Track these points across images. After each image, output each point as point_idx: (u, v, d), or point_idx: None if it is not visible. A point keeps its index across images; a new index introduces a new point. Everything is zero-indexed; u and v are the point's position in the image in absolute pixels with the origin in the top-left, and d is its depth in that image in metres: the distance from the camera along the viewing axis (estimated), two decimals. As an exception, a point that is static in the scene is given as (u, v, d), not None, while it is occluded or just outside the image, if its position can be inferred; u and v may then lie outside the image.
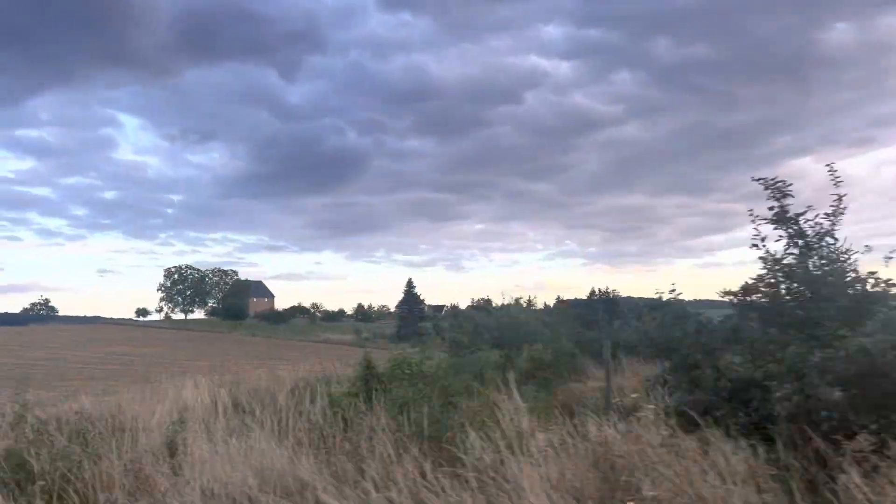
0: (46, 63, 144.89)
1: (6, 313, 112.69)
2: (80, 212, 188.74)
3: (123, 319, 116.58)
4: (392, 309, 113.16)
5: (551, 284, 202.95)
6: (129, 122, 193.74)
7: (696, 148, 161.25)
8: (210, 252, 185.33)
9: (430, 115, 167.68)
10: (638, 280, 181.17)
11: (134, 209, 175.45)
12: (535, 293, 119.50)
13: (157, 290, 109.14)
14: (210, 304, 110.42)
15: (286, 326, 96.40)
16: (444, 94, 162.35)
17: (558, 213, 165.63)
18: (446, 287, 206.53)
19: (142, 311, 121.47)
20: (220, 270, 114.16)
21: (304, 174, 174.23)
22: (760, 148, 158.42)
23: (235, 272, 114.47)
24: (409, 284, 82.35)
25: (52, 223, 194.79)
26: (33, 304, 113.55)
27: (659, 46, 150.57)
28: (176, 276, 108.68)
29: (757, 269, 6.34)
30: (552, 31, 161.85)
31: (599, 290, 67.88)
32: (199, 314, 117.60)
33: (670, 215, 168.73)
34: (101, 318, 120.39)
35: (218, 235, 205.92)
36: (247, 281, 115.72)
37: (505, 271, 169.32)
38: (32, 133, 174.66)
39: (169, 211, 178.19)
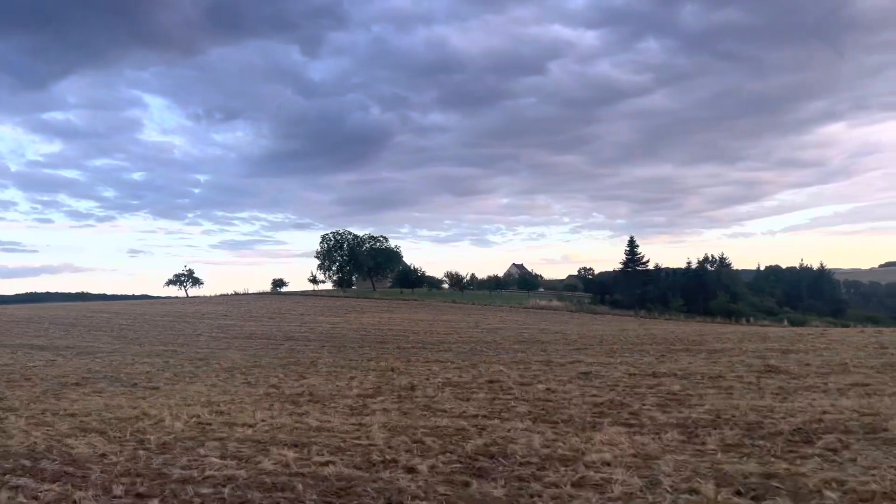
0: (73, 46, 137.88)
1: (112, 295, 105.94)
2: (109, 193, 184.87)
3: (266, 292, 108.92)
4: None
5: (577, 257, 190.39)
6: (155, 102, 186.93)
7: (725, 115, 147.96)
8: (238, 231, 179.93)
9: (453, 88, 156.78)
10: (670, 251, 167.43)
11: (161, 190, 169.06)
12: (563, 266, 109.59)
13: (315, 256, 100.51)
14: (365, 271, 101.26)
15: (475, 293, 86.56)
16: (468, 67, 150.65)
17: (585, 185, 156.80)
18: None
19: (278, 283, 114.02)
20: (371, 237, 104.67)
21: (328, 151, 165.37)
22: (791, 114, 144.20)
23: (385, 238, 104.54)
24: (632, 244, 70.79)
25: (83, 205, 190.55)
26: (177, 276, 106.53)
27: (686, 12, 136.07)
28: (332, 242, 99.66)
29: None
30: (576, 0, 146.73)
31: None
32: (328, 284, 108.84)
33: (698, 185, 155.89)
34: (238, 292, 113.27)
35: (245, 214, 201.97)
36: (397, 248, 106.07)
37: (530, 244, 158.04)
38: (59, 116, 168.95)
39: (196, 191, 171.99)
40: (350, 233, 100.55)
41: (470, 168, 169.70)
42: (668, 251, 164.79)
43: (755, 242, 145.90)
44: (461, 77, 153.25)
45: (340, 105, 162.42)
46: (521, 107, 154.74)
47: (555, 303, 78.18)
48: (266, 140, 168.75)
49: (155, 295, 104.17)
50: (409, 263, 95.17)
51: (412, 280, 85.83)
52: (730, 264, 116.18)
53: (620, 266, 73.03)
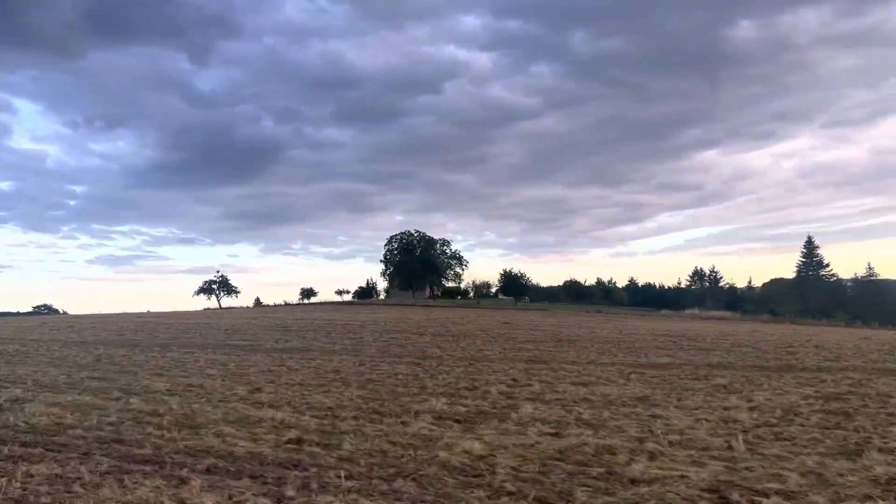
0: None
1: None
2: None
3: (325, 303, 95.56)
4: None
5: (469, 275, 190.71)
6: (26, 107, 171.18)
7: (611, 140, 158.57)
8: (117, 245, 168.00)
9: (349, 103, 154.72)
10: (559, 270, 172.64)
11: (33, 201, 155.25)
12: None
13: (381, 260, 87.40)
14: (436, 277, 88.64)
15: (593, 303, 75.42)
16: (364, 83, 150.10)
17: (478, 205, 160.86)
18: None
19: (307, 293, 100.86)
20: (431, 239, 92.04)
21: (218, 164, 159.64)
22: (671, 140, 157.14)
23: (448, 241, 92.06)
24: (810, 244, 60.95)
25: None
26: (208, 283, 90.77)
27: (576, 39, 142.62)
28: (401, 243, 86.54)
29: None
30: (471, 22, 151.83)
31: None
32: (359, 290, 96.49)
33: (585, 206, 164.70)
34: (289, 302, 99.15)
35: (125, 228, 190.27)
36: (458, 252, 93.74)
37: None
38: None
39: (71, 203, 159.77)
40: (419, 233, 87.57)
41: (366, 184, 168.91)
42: (559, 270, 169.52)
43: (637, 261, 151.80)
44: (357, 93, 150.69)
45: (231, 116, 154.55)
46: (418, 125, 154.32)
47: (718, 313, 68.43)
48: (150, 151, 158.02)
49: (24, 311, 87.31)
50: (507, 269, 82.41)
51: (516, 287, 73.42)
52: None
53: (795, 272, 63.44)
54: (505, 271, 77.02)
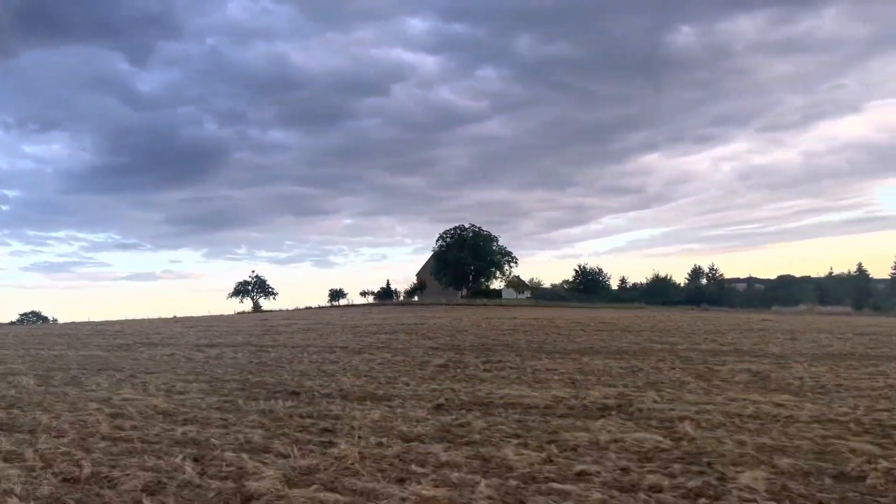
0: None
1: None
2: None
3: (375, 303, 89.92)
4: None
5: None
6: None
7: (557, 143, 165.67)
8: (53, 252, 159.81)
9: (295, 105, 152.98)
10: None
11: None
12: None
13: (435, 256, 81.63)
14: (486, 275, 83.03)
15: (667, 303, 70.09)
16: (309, 85, 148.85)
17: (427, 208, 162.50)
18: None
19: (336, 294, 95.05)
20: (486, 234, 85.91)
21: (159, 167, 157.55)
22: (615, 144, 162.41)
23: (496, 237, 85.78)
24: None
25: None
26: (242, 285, 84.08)
27: (521, 43, 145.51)
28: (452, 238, 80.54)
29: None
30: (417, 25, 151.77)
31: None
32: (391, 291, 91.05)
33: (532, 209, 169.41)
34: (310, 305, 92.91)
35: (62, 234, 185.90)
36: (506, 249, 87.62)
37: (373, 266, 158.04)
38: None
39: (3, 207, 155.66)
40: (474, 227, 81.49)
41: (312, 188, 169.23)
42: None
43: (584, 263, 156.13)
44: (303, 95, 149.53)
45: (172, 118, 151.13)
46: (365, 128, 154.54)
47: (838, 308, 63.46)
48: (88, 154, 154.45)
49: (9, 321, 79.35)
50: (582, 265, 76.27)
51: (591, 284, 67.89)
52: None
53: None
54: (580, 267, 71.13)
